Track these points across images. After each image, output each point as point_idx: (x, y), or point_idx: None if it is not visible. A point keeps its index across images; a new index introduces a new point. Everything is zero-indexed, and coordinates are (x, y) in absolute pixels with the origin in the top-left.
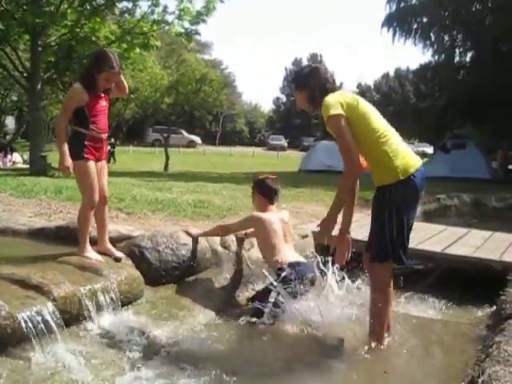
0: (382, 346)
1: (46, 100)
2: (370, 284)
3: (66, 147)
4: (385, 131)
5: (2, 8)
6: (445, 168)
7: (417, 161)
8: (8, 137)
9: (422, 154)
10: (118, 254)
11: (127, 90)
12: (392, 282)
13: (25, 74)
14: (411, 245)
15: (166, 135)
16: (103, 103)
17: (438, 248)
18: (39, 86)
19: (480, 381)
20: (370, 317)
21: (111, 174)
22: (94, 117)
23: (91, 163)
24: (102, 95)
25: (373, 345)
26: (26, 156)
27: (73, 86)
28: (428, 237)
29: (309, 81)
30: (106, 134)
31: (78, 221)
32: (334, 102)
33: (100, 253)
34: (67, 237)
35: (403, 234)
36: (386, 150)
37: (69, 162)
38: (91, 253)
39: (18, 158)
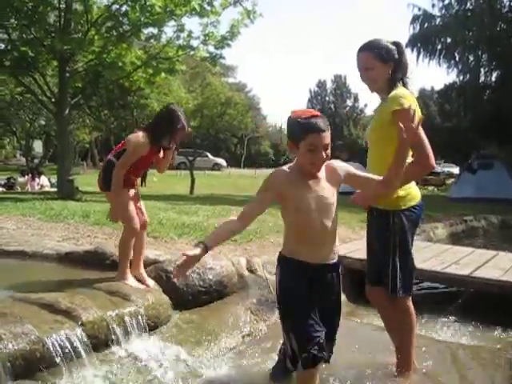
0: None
1: (73, 124)
2: (389, 318)
3: (121, 199)
4: None
5: (32, 36)
6: (471, 189)
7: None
8: (36, 160)
9: (448, 175)
10: (150, 281)
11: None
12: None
13: (52, 99)
14: (439, 268)
15: (191, 158)
16: (154, 157)
17: (465, 271)
18: (67, 111)
19: None
20: (399, 350)
21: None
22: (137, 166)
23: (125, 191)
24: (158, 150)
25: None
26: (54, 179)
27: (137, 137)
28: (455, 260)
29: (400, 57)
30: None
31: (120, 247)
32: (410, 99)
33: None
34: (95, 261)
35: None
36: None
37: (119, 214)
38: (131, 279)
39: (45, 182)
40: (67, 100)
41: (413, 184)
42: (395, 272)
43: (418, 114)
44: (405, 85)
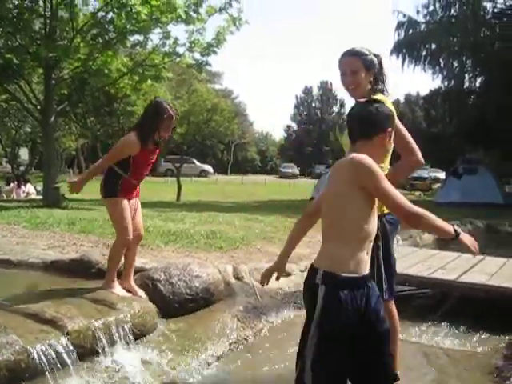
0: None
1: (59, 131)
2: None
3: (87, 176)
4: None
5: (17, 43)
6: (457, 193)
7: None
8: (22, 168)
9: (435, 180)
10: (141, 292)
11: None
12: None
13: (38, 107)
14: (425, 273)
15: (178, 165)
16: (151, 157)
17: (451, 276)
18: (52, 118)
19: None
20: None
21: None
22: (136, 168)
23: (125, 201)
24: (155, 149)
25: None
26: (40, 187)
27: (129, 136)
28: (441, 265)
29: (380, 69)
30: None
31: (110, 255)
32: (390, 104)
33: (123, 289)
34: (80, 269)
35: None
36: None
37: (77, 180)
38: (118, 288)
39: (31, 190)
40: (53, 107)
41: None
42: (380, 275)
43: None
44: (382, 92)
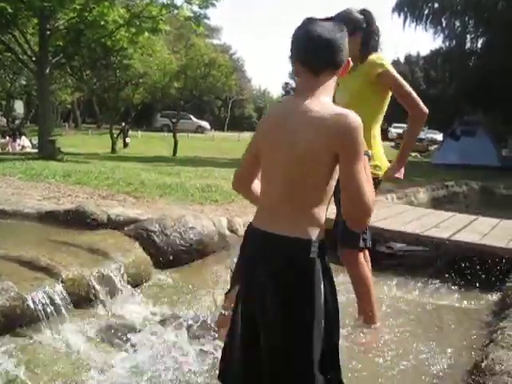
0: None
1: (54, 84)
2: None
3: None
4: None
5: None
6: (454, 155)
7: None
8: (17, 121)
9: (432, 141)
10: None
11: None
12: None
13: (33, 58)
14: (419, 231)
15: (174, 120)
16: None
17: (445, 235)
18: (48, 70)
19: (483, 365)
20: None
21: (120, 158)
22: None
23: None
24: None
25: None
26: (35, 141)
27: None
28: (436, 223)
29: (368, 26)
30: None
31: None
32: (388, 61)
33: None
34: (76, 220)
35: None
36: (376, 135)
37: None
38: None
39: (26, 143)
40: (48, 59)
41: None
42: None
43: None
44: (375, 49)
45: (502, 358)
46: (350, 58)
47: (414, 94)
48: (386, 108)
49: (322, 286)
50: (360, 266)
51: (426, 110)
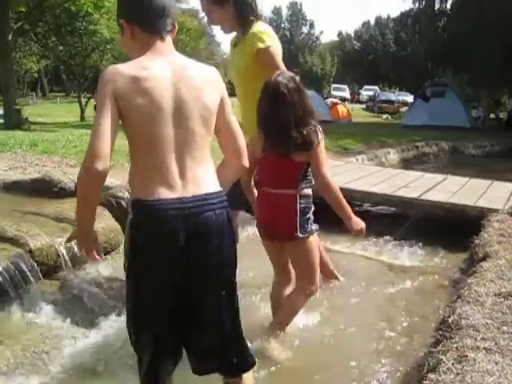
0: None
1: (19, 52)
2: None
3: None
4: None
5: None
6: (424, 116)
7: None
8: None
9: (403, 103)
10: None
11: None
12: None
13: None
14: (388, 191)
15: None
16: None
17: (414, 194)
18: (10, 37)
19: (450, 320)
20: None
21: (89, 126)
22: None
23: None
24: None
25: None
26: (1, 110)
27: None
28: (405, 183)
29: None
30: None
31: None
32: (270, 34)
33: None
34: (42, 189)
35: None
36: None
37: None
38: None
39: None
40: (10, 25)
41: None
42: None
43: (279, 49)
44: (258, 18)
45: (467, 313)
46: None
47: None
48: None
49: None
50: None
51: None
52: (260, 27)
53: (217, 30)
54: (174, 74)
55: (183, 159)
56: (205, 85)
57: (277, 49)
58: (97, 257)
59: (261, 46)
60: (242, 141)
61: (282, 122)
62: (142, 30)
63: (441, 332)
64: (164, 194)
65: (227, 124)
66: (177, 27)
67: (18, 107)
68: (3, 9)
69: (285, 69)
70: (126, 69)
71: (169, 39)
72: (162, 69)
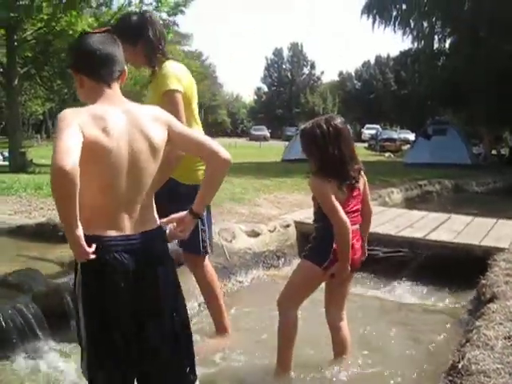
0: None
1: (24, 95)
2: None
3: None
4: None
5: None
6: (426, 154)
7: None
8: None
9: (405, 141)
10: None
11: None
12: None
13: (1, 70)
14: (393, 232)
15: None
16: None
17: (419, 234)
18: (16, 82)
19: (460, 365)
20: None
21: None
22: None
23: None
24: None
25: None
26: (7, 153)
27: None
28: (410, 223)
29: (146, 30)
30: None
31: None
32: (176, 74)
33: None
34: (47, 234)
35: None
36: None
37: None
38: None
39: None
40: (16, 70)
41: None
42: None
43: (190, 90)
44: (164, 54)
45: (477, 358)
46: (125, 68)
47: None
48: (195, 118)
49: None
50: (206, 270)
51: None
52: (169, 68)
53: (220, 72)
54: (129, 122)
55: (132, 205)
56: (154, 124)
57: (188, 90)
58: (92, 256)
59: (164, 89)
60: (208, 141)
61: None
62: (88, 79)
63: (451, 378)
64: (112, 232)
65: (186, 139)
66: (126, 72)
67: (23, 150)
68: (10, 55)
69: (184, 118)
70: (86, 111)
71: (116, 86)
72: (118, 120)
